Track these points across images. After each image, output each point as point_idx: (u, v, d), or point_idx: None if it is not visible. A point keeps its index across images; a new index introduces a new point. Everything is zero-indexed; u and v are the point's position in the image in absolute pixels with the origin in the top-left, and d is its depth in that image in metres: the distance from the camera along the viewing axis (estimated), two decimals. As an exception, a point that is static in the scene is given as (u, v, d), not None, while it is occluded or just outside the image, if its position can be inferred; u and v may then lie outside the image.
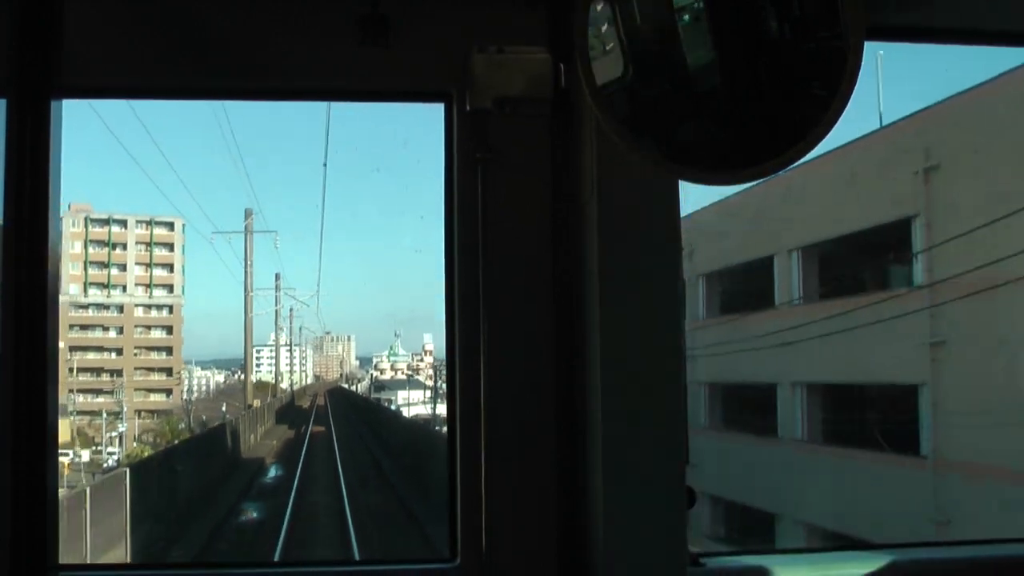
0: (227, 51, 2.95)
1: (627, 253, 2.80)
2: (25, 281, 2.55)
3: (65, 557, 3.06)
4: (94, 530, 18.14)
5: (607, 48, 2.34)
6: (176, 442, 27.48)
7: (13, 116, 2.53)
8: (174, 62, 2.96)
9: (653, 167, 2.47)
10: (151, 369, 74.29)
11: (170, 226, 77.57)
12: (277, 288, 63.50)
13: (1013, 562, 3.41)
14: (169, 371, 76.32)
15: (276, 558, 20.12)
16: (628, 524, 2.74)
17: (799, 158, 2.22)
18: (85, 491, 18.38)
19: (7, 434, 2.49)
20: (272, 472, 32.64)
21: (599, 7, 2.36)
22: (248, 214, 43.04)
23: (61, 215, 2.69)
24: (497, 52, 2.90)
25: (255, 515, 25.21)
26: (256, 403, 52.85)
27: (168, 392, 73.86)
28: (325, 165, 71.33)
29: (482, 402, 2.93)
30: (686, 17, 2.33)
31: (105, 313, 78.88)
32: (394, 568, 3.39)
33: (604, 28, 2.34)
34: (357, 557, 20.82)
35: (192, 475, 25.66)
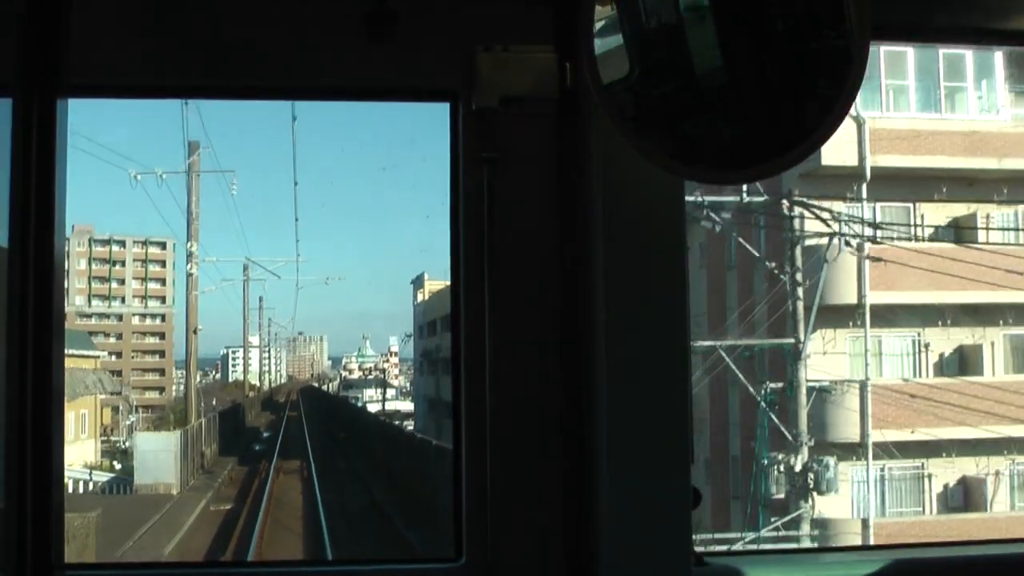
0: (233, 50, 2.91)
1: (633, 252, 2.77)
2: (33, 276, 2.45)
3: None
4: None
5: (613, 47, 2.32)
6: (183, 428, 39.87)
7: (19, 115, 2.44)
8: (181, 61, 2.92)
9: (660, 166, 2.42)
10: (145, 370, 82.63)
11: (163, 245, 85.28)
12: (261, 308, 78.53)
13: (1013, 562, 3.40)
14: (161, 371, 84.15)
15: (272, 463, 34.82)
16: (634, 524, 2.71)
17: (805, 156, 2.23)
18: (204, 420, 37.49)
19: (13, 433, 2.41)
20: (266, 433, 50.81)
21: (605, 6, 2.32)
22: (245, 268, 51.44)
23: (68, 222, 2.70)
24: (503, 51, 2.87)
25: (261, 448, 42.96)
26: (251, 394, 67.88)
27: (161, 390, 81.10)
28: (296, 183, 72.82)
29: (487, 401, 2.87)
30: (692, 16, 2.31)
31: (106, 321, 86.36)
32: (397, 568, 3.39)
33: (610, 27, 2.31)
34: (314, 473, 31.50)
35: (229, 428, 44.00)
